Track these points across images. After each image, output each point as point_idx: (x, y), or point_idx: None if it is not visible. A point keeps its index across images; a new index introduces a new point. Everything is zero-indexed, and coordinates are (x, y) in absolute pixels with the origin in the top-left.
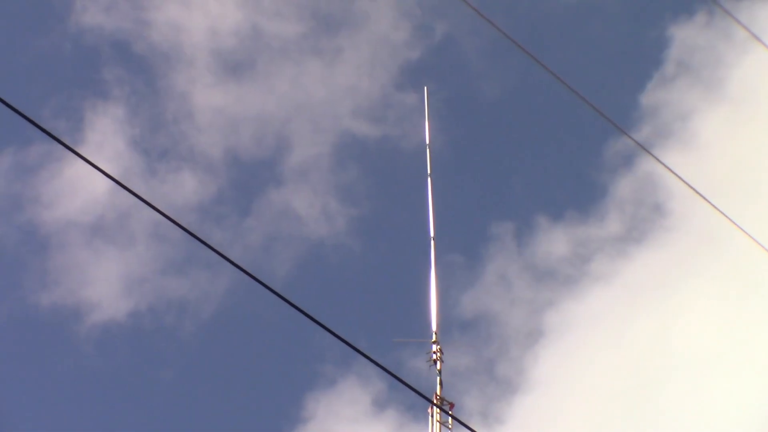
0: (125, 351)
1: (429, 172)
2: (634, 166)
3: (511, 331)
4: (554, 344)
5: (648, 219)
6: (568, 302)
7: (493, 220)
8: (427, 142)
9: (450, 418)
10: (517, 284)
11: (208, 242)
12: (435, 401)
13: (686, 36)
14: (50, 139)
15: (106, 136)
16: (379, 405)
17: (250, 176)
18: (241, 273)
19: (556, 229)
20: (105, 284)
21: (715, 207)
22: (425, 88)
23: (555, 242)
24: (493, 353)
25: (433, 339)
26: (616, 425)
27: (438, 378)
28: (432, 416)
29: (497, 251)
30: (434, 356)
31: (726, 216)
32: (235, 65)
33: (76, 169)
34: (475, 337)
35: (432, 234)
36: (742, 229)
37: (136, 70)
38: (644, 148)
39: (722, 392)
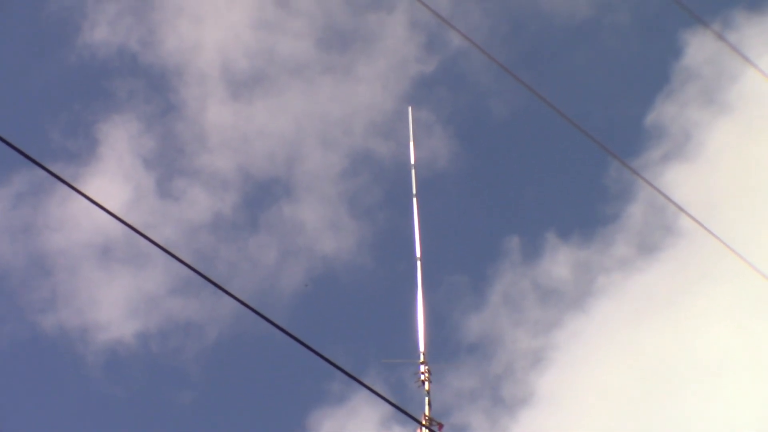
0: (133, 372)
1: (414, 192)
2: (643, 184)
3: (518, 348)
4: (562, 360)
5: (657, 233)
6: (576, 318)
7: (500, 237)
8: (412, 162)
9: None
10: (523, 302)
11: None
12: (424, 422)
13: (698, 48)
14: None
15: (120, 153)
16: (386, 424)
17: (261, 193)
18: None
19: (564, 246)
20: (113, 306)
21: (712, 233)
22: (409, 108)
23: (563, 259)
24: (500, 372)
25: (422, 360)
26: None
27: (426, 399)
28: None
29: (504, 269)
30: (422, 377)
31: (723, 241)
32: (247, 82)
33: (86, 193)
34: (482, 356)
35: (418, 255)
36: (739, 255)
37: (148, 87)
38: (643, 178)
39: (732, 404)
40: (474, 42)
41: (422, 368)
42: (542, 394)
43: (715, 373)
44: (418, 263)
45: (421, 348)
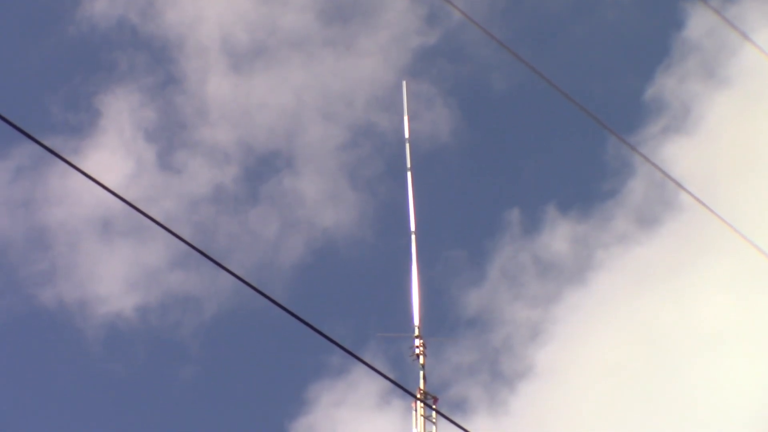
0: (133, 346)
1: (408, 166)
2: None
3: (517, 322)
4: (561, 333)
5: (657, 207)
6: (576, 291)
7: (500, 211)
8: (407, 136)
9: (434, 412)
10: (523, 276)
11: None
12: (418, 396)
13: (698, 21)
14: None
15: (120, 125)
16: (385, 397)
17: (262, 165)
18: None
19: (563, 220)
20: (113, 279)
21: (710, 208)
22: (404, 82)
23: (562, 233)
24: (499, 346)
25: (416, 333)
26: (628, 409)
27: (421, 372)
28: (416, 410)
29: (503, 243)
30: (417, 351)
31: (720, 216)
32: (248, 55)
33: (86, 166)
34: (481, 330)
35: (413, 229)
36: (736, 229)
37: (149, 59)
38: (641, 154)
39: (731, 376)
40: (471, 18)
41: (417, 342)
42: (541, 367)
43: (714, 345)
44: (413, 237)
45: (416, 322)
